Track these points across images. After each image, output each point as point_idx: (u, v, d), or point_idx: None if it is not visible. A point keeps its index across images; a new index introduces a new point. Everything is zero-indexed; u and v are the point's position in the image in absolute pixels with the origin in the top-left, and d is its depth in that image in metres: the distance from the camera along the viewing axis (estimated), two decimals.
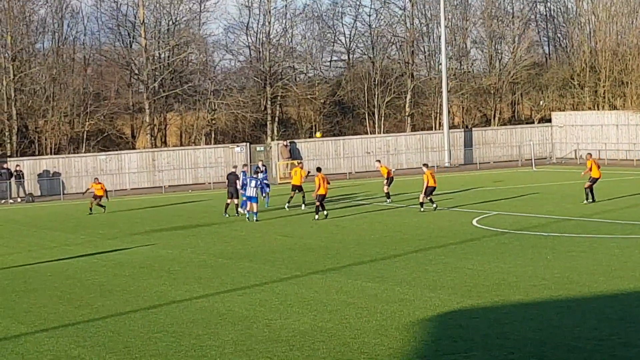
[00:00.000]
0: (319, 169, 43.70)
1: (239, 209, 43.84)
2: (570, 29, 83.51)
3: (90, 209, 48.34)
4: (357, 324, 20.14)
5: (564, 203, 43.41)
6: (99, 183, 49.72)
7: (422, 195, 42.18)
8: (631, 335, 18.25)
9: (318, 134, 62.80)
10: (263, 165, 55.15)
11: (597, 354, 17.04)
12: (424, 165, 44.60)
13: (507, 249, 30.08)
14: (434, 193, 42.32)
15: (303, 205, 45.39)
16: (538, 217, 38.64)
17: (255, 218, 41.25)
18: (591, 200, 42.35)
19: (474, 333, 18.92)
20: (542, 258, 27.77)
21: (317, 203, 41.22)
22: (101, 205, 48.42)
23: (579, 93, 78.99)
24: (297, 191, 45.80)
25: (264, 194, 47.03)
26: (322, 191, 41.03)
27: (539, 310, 20.76)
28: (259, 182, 42.32)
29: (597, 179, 42.92)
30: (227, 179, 45.11)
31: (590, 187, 42.71)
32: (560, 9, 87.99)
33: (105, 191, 49.35)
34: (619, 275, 24.46)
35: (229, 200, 44.19)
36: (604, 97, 77.40)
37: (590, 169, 43.01)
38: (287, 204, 45.61)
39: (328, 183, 42.06)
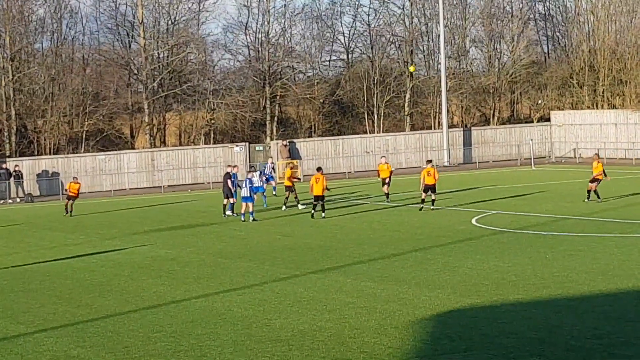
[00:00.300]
0: (319, 169, 43.50)
1: (227, 212, 43.77)
2: (569, 28, 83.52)
3: (69, 210, 47.99)
4: (356, 324, 20.14)
5: (562, 202, 43.40)
6: (77, 183, 49.51)
7: (422, 193, 42.23)
8: (630, 334, 18.24)
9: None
10: (272, 162, 55.05)
11: (596, 353, 17.03)
12: (427, 161, 44.35)
13: (506, 248, 30.07)
14: (436, 192, 42.24)
15: (300, 205, 45.36)
16: (537, 216, 38.63)
17: (252, 218, 41.19)
18: (598, 199, 42.24)
19: (473, 332, 18.92)
20: (541, 257, 27.76)
21: (314, 202, 41.25)
22: (70, 210, 48.01)
23: (578, 92, 78.98)
24: (290, 192, 45.84)
25: (264, 186, 47.02)
26: (315, 192, 40.95)
27: (538, 310, 20.76)
28: (248, 182, 42.01)
29: (599, 180, 42.90)
30: (223, 179, 45.20)
31: (595, 188, 42.68)
32: (559, 8, 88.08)
33: (79, 192, 49.05)
34: (617, 274, 24.45)
35: (225, 201, 44.21)
36: (603, 96, 77.40)
37: (603, 172, 42.84)
38: (284, 206, 45.66)
39: (327, 189, 41.73)
